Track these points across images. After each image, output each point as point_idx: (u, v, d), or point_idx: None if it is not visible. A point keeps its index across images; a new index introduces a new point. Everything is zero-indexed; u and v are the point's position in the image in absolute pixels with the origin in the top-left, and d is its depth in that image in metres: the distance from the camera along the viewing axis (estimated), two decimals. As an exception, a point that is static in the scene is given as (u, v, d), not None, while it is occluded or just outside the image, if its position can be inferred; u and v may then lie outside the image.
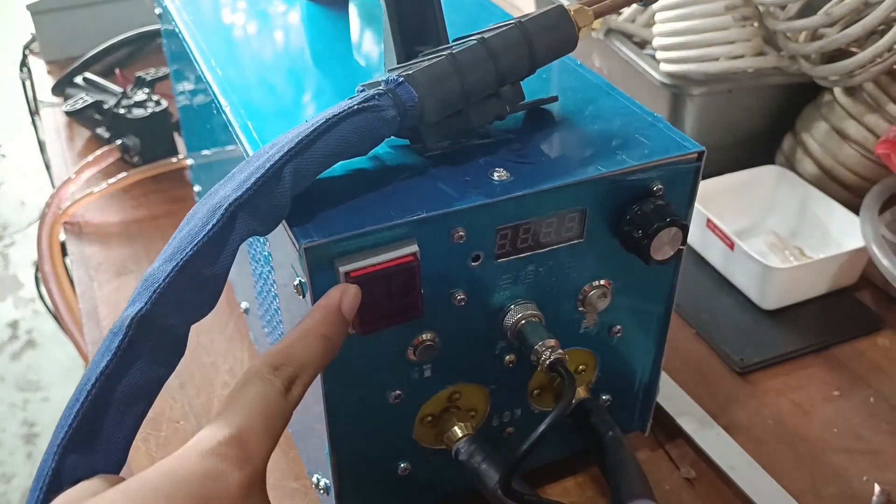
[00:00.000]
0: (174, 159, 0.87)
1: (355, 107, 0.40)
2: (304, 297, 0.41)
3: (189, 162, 0.82)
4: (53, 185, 0.93)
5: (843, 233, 0.73)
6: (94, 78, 0.96)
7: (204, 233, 0.36)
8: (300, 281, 0.41)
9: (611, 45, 0.83)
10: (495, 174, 0.43)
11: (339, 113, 0.40)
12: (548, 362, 0.44)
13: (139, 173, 0.86)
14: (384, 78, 0.42)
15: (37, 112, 1.14)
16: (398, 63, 0.48)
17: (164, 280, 0.35)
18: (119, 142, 0.88)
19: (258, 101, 0.51)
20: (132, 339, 0.35)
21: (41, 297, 1.05)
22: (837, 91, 0.75)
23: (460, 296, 0.44)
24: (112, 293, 0.74)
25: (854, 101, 0.74)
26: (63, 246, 0.86)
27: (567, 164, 0.45)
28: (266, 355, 0.36)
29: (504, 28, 0.44)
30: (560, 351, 0.44)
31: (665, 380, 0.62)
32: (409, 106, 0.42)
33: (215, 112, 0.53)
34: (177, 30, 0.62)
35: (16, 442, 1.79)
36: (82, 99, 0.90)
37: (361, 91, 0.44)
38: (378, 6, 0.49)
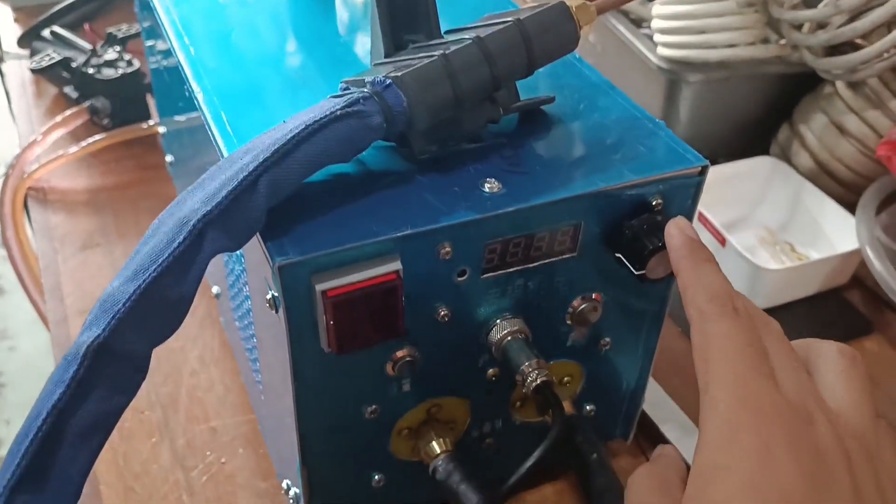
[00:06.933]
0: (146, 124, 0.83)
1: (338, 112, 0.37)
2: (276, 311, 0.39)
3: (161, 130, 0.78)
4: (19, 141, 0.89)
5: (835, 231, 0.70)
6: (62, 32, 0.91)
7: (169, 251, 0.33)
8: (273, 295, 0.38)
9: (606, 23, 0.80)
10: (486, 185, 0.40)
11: (321, 118, 0.37)
12: (534, 385, 0.42)
13: (110, 138, 0.82)
14: (370, 79, 0.39)
15: (2, 60, 1.08)
16: (385, 55, 0.45)
17: (124, 303, 0.33)
18: (88, 103, 0.83)
19: (234, 87, 0.48)
20: (89, 368, 0.32)
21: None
22: (839, 83, 0.72)
23: (444, 311, 0.42)
24: (77, 268, 0.71)
25: (856, 94, 0.71)
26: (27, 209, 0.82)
27: (563, 176, 0.42)
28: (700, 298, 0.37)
29: (501, 26, 0.41)
30: (546, 373, 0.42)
31: (650, 384, 0.60)
32: (397, 112, 0.38)
33: (188, 95, 0.50)
34: (148, -3, 0.58)
35: (-19, 392, 1.76)
36: (49, 56, 0.85)
37: (345, 89, 0.41)
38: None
